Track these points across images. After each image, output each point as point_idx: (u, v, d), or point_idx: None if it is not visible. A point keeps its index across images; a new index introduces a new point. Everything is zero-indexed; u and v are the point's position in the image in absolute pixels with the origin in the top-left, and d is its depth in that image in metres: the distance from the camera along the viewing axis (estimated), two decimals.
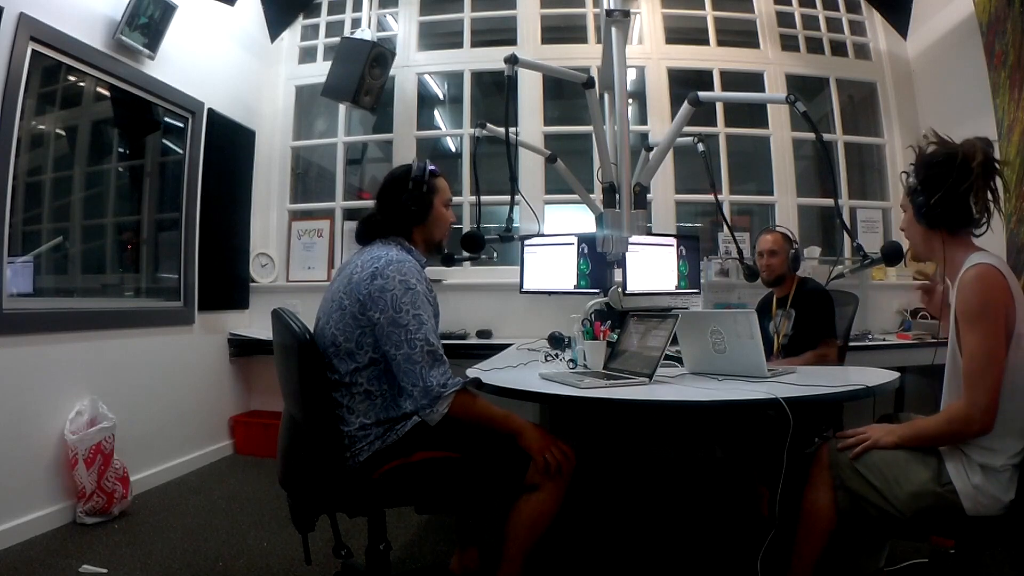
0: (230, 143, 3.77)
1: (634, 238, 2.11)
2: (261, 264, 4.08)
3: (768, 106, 4.01)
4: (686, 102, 1.98)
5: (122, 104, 3.08)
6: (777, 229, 2.85)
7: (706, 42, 4.11)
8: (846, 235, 3.16)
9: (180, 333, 3.38)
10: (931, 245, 1.54)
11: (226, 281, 3.77)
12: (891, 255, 1.74)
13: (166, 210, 3.44)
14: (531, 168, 3.85)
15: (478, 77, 4.26)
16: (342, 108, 4.16)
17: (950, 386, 1.52)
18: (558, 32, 4.24)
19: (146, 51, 2.99)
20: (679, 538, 2.29)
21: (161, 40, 3.05)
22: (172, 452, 3.24)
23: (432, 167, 1.70)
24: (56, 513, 2.49)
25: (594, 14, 4.08)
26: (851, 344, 2.92)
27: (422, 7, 4.27)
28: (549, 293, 3.31)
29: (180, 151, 3.46)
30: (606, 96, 2.53)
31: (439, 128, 4.94)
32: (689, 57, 4.10)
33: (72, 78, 2.82)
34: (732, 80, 4.06)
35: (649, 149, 2.57)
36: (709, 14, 4.12)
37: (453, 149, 4.70)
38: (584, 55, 3.99)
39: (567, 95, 4.28)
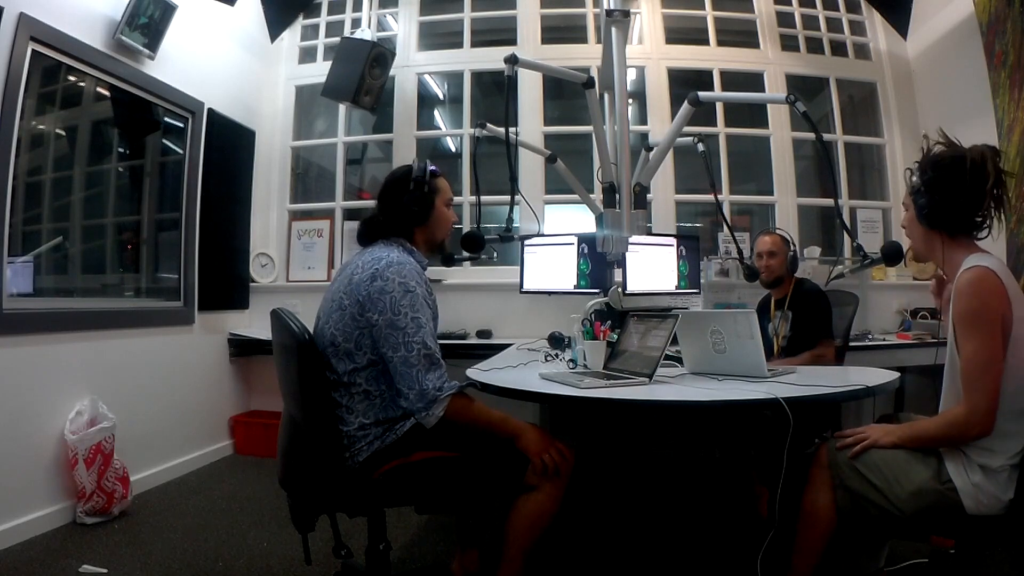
0: (230, 143, 3.77)
1: (634, 238, 2.11)
2: (261, 264, 4.08)
3: (768, 106, 4.01)
4: (686, 102, 1.97)
5: (122, 104, 3.07)
6: (776, 231, 2.86)
7: (706, 42, 4.11)
8: (846, 235, 3.17)
9: (180, 333, 3.38)
10: (931, 245, 1.54)
11: (226, 281, 3.77)
12: (891, 255, 1.74)
13: (166, 210, 3.44)
14: (531, 168, 3.85)
15: (478, 77, 4.26)
16: (342, 108, 4.16)
17: (949, 387, 1.52)
18: (558, 32, 4.24)
19: (146, 51, 2.99)
20: (679, 538, 2.28)
21: (161, 40, 3.05)
22: (172, 452, 3.24)
23: (433, 167, 1.70)
24: (56, 513, 2.49)
25: (594, 14, 4.08)
26: (851, 344, 2.92)
27: (422, 7, 4.27)
28: (549, 293, 3.31)
29: (180, 151, 3.46)
30: (606, 96, 2.53)
31: (439, 128, 4.94)
32: (689, 57, 4.10)
33: (72, 78, 2.82)
34: (732, 80, 4.06)
35: (649, 149, 2.57)
36: (709, 14, 4.12)
37: (453, 149, 4.70)
38: (584, 55, 3.99)
39: (567, 95, 4.28)
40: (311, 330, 1.56)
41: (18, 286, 2.53)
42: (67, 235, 2.96)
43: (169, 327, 3.30)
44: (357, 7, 4.25)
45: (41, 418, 2.48)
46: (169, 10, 3.02)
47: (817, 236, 4.14)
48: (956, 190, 1.44)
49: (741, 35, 4.16)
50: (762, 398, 1.55)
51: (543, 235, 3.44)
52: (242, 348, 3.74)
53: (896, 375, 1.77)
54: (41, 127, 2.78)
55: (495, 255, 2.79)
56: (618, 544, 2.27)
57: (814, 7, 4.20)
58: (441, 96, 4.85)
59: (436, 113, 4.98)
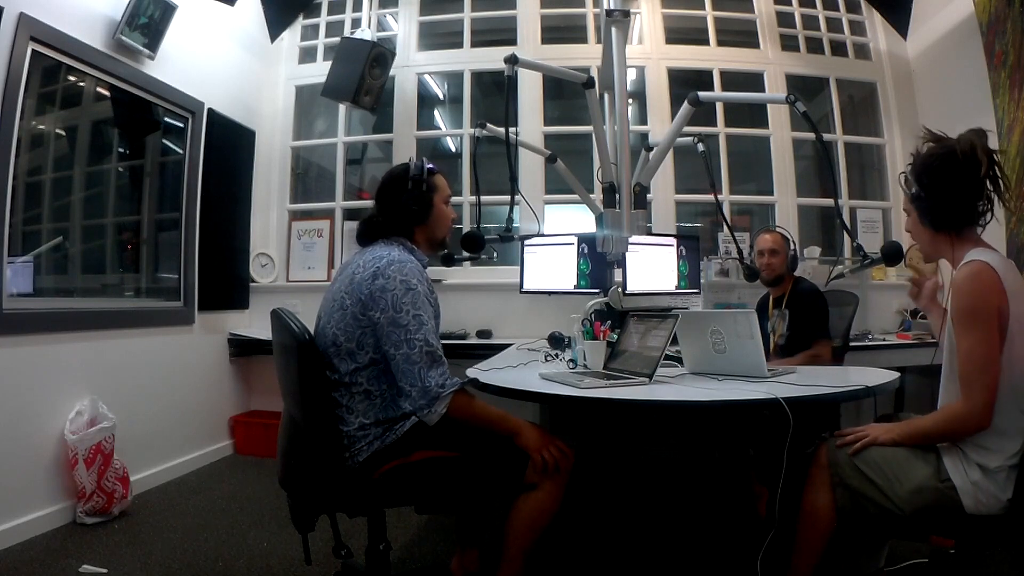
0: (230, 143, 3.77)
1: (634, 238, 2.11)
2: (261, 264, 4.08)
3: (768, 106, 4.01)
4: (686, 102, 1.97)
5: (122, 104, 3.07)
6: (778, 229, 2.86)
7: (706, 42, 4.11)
8: (846, 235, 3.16)
9: (180, 333, 3.38)
10: (939, 247, 1.54)
11: (226, 281, 3.77)
12: (891, 255, 1.75)
13: (166, 210, 3.44)
14: (531, 168, 3.85)
15: (478, 77, 4.26)
16: (342, 108, 4.16)
17: (947, 384, 1.52)
18: (558, 32, 4.24)
19: (146, 51, 2.99)
20: (679, 538, 2.28)
21: (161, 40, 3.05)
22: (172, 452, 3.24)
23: (430, 165, 1.70)
24: (56, 513, 2.49)
25: (594, 14, 4.08)
26: (851, 344, 2.92)
27: (422, 7, 4.27)
28: (549, 293, 3.31)
29: (180, 151, 3.46)
30: (606, 96, 2.53)
31: (439, 128, 4.94)
32: (689, 57, 4.10)
33: (72, 78, 2.82)
34: (732, 80, 4.06)
35: (649, 149, 2.57)
36: (709, 14, 4.12)
37: (453, 149, 4.71)
38: (584, 55, 3.99)
39: (567, 95, 4.28)
40: (311, 330, 1.56)
41: (18, 286, 2.53)
42: (67, 235, 2.96)
43: (169, 327, 3.30)
44: (357, 7, 4.25)
45: (41, 418, 2.48)
46: (169, 10, 3.02)
47: (817, 236, 4.14)
48: (954, 186, 1.43)
49: (741, 35, 4.16)
50: (762, 398, 1.55)
51: (543, 235, 3.44)
52: (242, 348, 3.74)
53: (896, 375, 1.77)
54: (41, 127, 2.78)
55: (495, 255, 2.80)
56: (618, 544, 2.27)
57: (814, 7, 4.20)
58: (441, 96, 4.85)
59: (436, 113, 4.98)
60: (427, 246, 1.73)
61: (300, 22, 4.38)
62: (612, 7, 1.99)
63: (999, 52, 3.12)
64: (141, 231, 3.35)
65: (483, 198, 2.79)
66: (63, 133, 2.93)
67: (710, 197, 2.96)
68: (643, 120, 4.02)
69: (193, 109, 3.43)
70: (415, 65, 4.21)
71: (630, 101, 3.27)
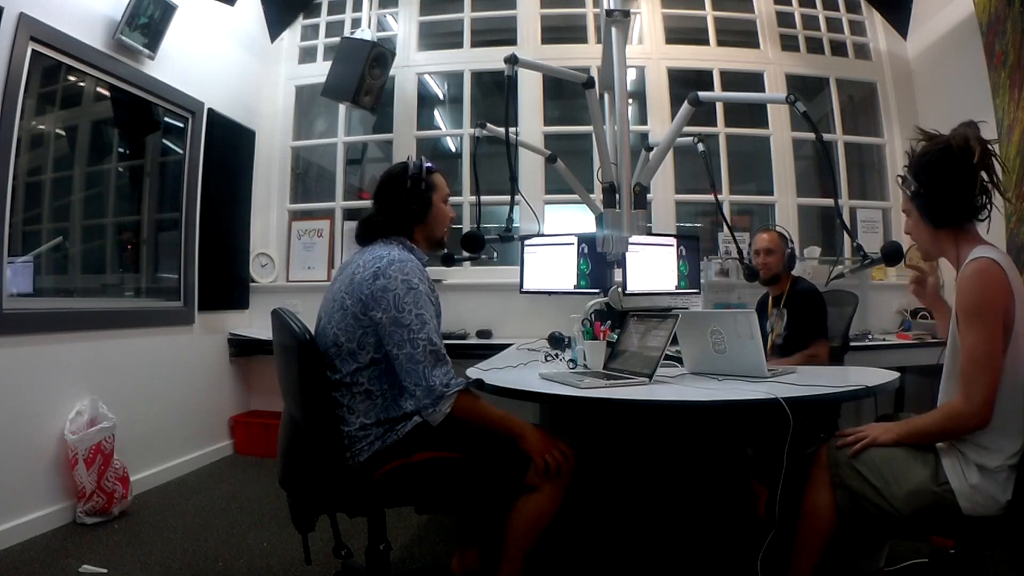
0: (230, 143, 3.77)
1: (634, 238, 2.11)
2: (261, 264, 4.08)
3: (768, 106, 4.01)
4: (686, 102, 1.97)
5: (122, 104, 3.08)
6: (776, 228, 2.86)
7: (706, 42, 4.11)
8: (846, 235, 3.16)
9: (180, 333, 3.38)
10: (940, 245, 1.53)
11: (226, 281, 3.77)
12: (891, 255, 1.74)
13: (166, 210, 3.44)
14: (531, 168, 3.85)
15: (478, 77, 4.26)
16: (342, 108, 4.16)
17: (948, 382, 1.51)
18: (558, 32, 4.24)
19: (146, 51, 2.99)
20: (679, 538, 2.28)
21: (161, 40, 3.05)
22: (172, 452, 3.24)
23: (429, 164, 1.70)
24: (56, 513, 2.49)
25: (594, 14, 4.08)
26: (851, 344, 2.92)
27: (422, 7, 4.27)
28: (549, 293, 3.31)
29: (180, 151, 3.46)
30: (606, 96, 2.53)
31: (439, 128, 4.94)
32: (689, 57, 4.10)
33: (72, 78, 2.82)
34: (732, 80, 4.06)
35: (649, 149, 2.57)
36: (709, 14, 4.12)
37: (453, 149, 4.71)
38: (584, 55, 3.99)
39: (567, 95, 4.28)
40: (312, 330, 1.56)
41: (18, 286, 2.53)
42: (67, 235, 2.96)
43: (169, 327, 3.30)
44: (357, 7, 4.25)
45: (41, 418, 2.48)
46: (169, 10, 3.02)
47: (817, 236, 4.14)
48: (952, 180, 1.43)
49: (741, 35, 4.16)
50: (762, 398, 1.55)
51: (543, 235, 3.44)
52: (242, 348, 3.74)
53: (896, 375, 1.77)
54: (41, 127, 2.78)
55: (495, 255, 2.80)
56: (618, 544, 2.27)
57: (814, 7, 4.20)
58: (441, 96, 4.85)
59: (436, 113, 4.98)
60: (426, 245, 1.73)
61: (300, 22, 4.38)
62: (612, 7, 1.99)
63: (999, 52, 3.12)
64: (141, 231, 3.35)
65: (483, 198, 2.79)
66: (63, 133, 2.93)
67: (710, 197, 2.96)
68: (643, 120, 4.02)
69: (193, 109, 3.43)
70: (415, 65, 4.21)
71: (630, 101, 3.27)
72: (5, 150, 2.35)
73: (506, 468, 1.55)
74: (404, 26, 4.26)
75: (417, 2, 4.26)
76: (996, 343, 1.35)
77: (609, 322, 2.24)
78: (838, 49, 4.19)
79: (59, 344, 2.59)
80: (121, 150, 3.27)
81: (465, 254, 2.23)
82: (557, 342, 2.63)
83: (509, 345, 3.05)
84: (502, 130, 2.12)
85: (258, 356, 3.79)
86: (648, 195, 2.21)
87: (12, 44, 2.35)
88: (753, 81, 4.12)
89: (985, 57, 3.24)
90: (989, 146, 1.42)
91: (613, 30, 1.99)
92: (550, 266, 3.26)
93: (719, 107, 4.00)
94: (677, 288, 3.30)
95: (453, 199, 1.81)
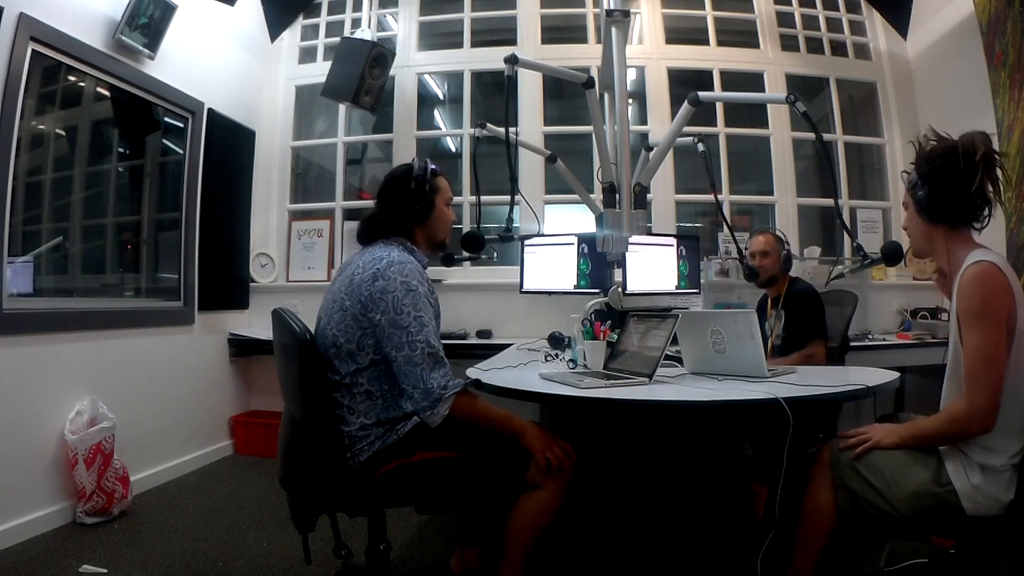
0: (230, 143, 3.77)
1: (634, 238, 2.11)
2: (261, 264, 4.08)
3: (768, 106, 4.01)
4: (686, 102, 1.97)
5: (122, 104, 3.08)
6: (776, 231, 2.86)
7: (706, 42, 4.11)
8: (846, 235, 3.16)
9: (180, 333, 3.38)
10: (932, 241, 1.53)
11: (226, 281, 3.77)
12: (891, 255, 1.74)
13: (166, 210, 3.44)
14: (531, 168, 3.85)
15: (478, 77, 4.26)
16: (342, 108, 4.16)
17: (951, 384, 1.51)
18: (558, 32, 4.24)
19: (146, 51, 2.99)
20: (679, 538, 2.28)
21: (161, 40, 3.04)
22: (172, 452, 3.24)
23: (433, 166, 1.71)
24: (56, 513, 2.49)
25: (594, 14, 4.08)
26: (851, 344, 2.92)
27: (422, 7, 4.27)
28: (549, 293, 3.31)
29: (180, 151, 3.46)
30: (606, 96, 2.53)
31: (439, 128, 4.94)
32: (689, 57, 4.10)
33: (72, 78, 2.82)
34: (732, 80, 4.06)
35: (649, 149, 2.57)
36: (709, 14, 4.12)
37: (453, 149, 4.71)
38: (584, 55, 3.99)
39: (567, 95, 4.28)
40: (312, 330, 1.56)
41: (18, 286, 2.53)
42: (67, 235, 2.96)
43: (169, 327, 3.30)
44: (357, 7, 4.25)
45: (41, 418, 2.48)
46: (169, 10, 3.02)
47: (817, 236, 4.14)
48: (952, 179, 1.43)
49: (741, 35, 4.16)
50: (762, 398, 1.55)
51: (543, 235, 3.44)
52: (242, 348, 3.74)
53: (896, 375, 1.77)
54: (41, 127, 2.78)
55: (495, 255, 2.80)
56: (618, 544, 2.27)
57: (814, 7, 4.20)
58: (441, 96, 4.85)
59: (436, 113, 4.98)
60: (427, 247, 1.73)
61: (300, 22, 4.38)
62: (612, 7, 2.00)
63: (999, 52, 3.12)
64: (141, 231, 3.35)
65: (483, 198, 2.79)
66: (63, 133, 2.93)
67: (710, 197, 2.96)
68: (643, 120, 4.02)
69: (193, 109, 3.43)
70: (415, 65, 4.21)
71: (630, 101, 3.27)
72: (5, 150, 2.35)
73: (506, 468, 1.55)
74: (404, 26, 4.26)
75: (417, 2, 4.26)
76: (999, 346, 1.35)
77: (609, 322, 2.24)
78: (838, 49, 4.19)
79: (59, 344, 2.59)
80: (121, 150, 3.27)
81: (465, 254, 2.23)
82: (557, 342, 2.63)
83: (509, 345, 3.04)
84: (502, 130, 2.12)
85: (258, 356, 3.79)
86: (648, 195, 2.21)
87: (12, 44, 2.35)
88: (753, 81, 4.12)
89: (985, 57, 3.24)
90: (996, 155, 1.42)
91: (613, 30, 1.99)
92: (550, 266, 3.26)
93: (719, 107, 4.00)
94: (677, 288, 3.30)
95: (453, 199, 1.81)
